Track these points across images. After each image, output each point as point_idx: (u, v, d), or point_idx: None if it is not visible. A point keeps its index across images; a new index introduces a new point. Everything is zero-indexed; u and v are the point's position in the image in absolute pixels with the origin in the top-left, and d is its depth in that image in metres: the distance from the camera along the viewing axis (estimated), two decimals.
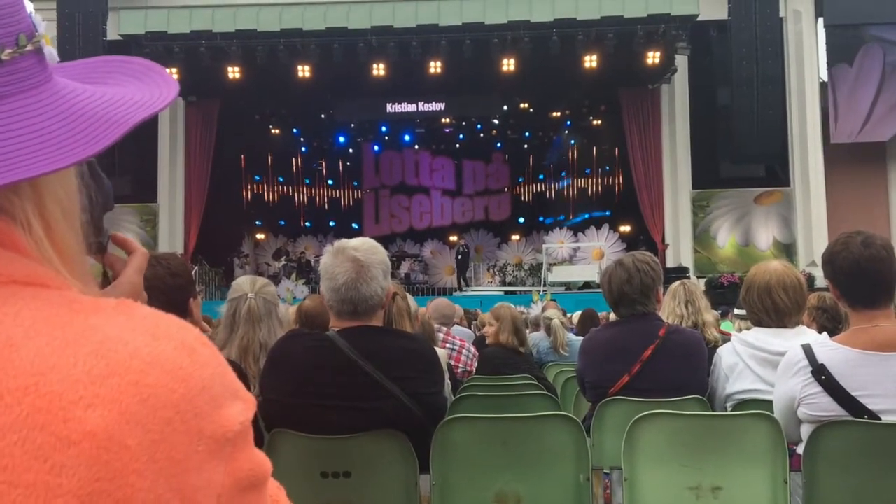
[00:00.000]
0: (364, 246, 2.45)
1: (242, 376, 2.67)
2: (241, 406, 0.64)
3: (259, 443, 2.52)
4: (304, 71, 16.38)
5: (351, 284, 2.39)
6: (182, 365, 0.61)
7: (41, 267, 0.64)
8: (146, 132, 17.52)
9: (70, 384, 0.56)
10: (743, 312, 5.46)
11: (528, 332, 6.21)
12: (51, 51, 0.69)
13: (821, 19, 17.87)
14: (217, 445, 0.61)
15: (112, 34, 15.93)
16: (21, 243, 0.64)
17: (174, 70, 15.93)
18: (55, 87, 0.67)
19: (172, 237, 18.04)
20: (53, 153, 0.62)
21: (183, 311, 2.23)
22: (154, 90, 0.73)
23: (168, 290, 2.18)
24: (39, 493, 0.53)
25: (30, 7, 0.69)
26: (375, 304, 2.43)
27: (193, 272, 17.53)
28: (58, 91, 0.67)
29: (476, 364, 5.20)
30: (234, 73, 16.36)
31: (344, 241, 2.50)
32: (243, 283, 3.13)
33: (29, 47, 0.66)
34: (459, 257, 21.30)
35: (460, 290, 19.83)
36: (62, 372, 0.56)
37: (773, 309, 2.97)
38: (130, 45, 15.72)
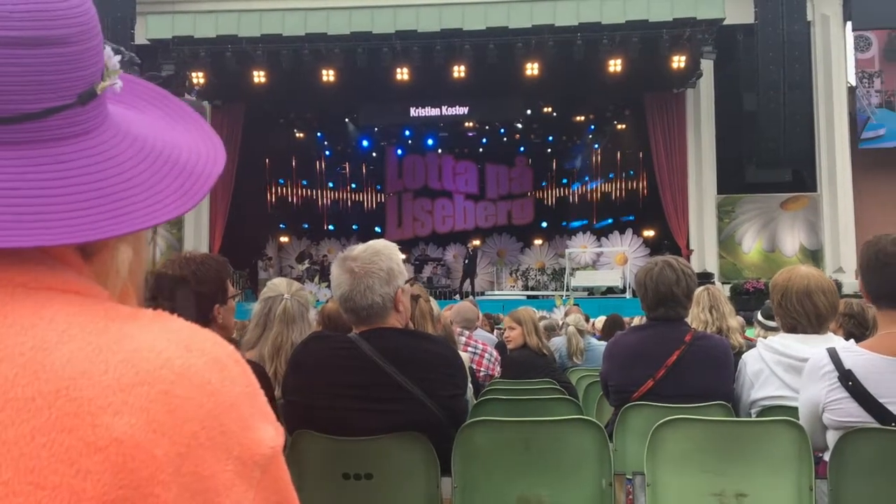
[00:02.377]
0: (365, 254, 2.44)
1: (266, 378, 2.69)
2: (273, 431, 0.64)
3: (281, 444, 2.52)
4: (328, 75, 16.45)
5: (347, 296, 2.42)
6: (211, 380, 0.61)
7: (81, 277, 0.65)
8: None
9: (100, 390, 0.56)
10: (766, 321, 5.40)
11: (550, 336, 6.19)
12: (119, 85, 0.70)
13: (849, 23, 17.66)
14: (245, 468, 0.60)
15: (140, 38, 16.10)
16: (66, 255, 0.65)
17: (200, 74, 16.10)
18: (115, 112, 0.69)
19: (197, 239, 18.18)
20: (152, 208, 0.64)
21: (205, 319, 2.25)
22: (206, 143, 0.75)
23: (195, 297, 2.20)
24: (64, 497, 0.54)
25: None
26: (377, 312, 2.43)
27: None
28: (122, 120, 0.69)
29: (498, 368, 5.19)
30: (259, 77, 16.47)
31: (348, 250, 2.51)
32: (280, 283, 3.18)
33: (115, 80, 0.68)
34: (466, 261, 21.26)
35: (481, 294, 19.78)
36: (93, 378, 0.57)
37: (815, 313, 2.91)
38: (157, 50, 15.89)
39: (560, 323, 7.83)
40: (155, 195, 0.64)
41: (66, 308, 0.61)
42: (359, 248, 2.48)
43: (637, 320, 8.48)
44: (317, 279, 19.53)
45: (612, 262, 20.27)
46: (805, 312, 2.93)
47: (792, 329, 2.99)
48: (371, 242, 2.52)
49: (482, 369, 5.07)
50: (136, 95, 0.76)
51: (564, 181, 25.55)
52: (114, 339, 0.60)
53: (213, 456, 0.59)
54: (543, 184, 25.97)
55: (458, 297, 18.50)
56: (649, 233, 20.31)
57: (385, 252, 2.46)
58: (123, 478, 0.55)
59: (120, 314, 0.63)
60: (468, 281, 20.80)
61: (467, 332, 5.36)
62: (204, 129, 0.77)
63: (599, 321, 9.08)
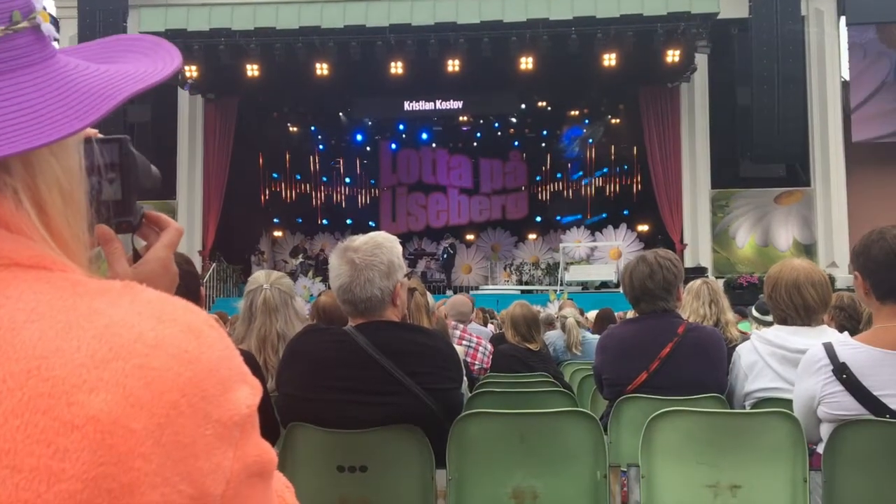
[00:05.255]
0: (366, 246, 2.43)
1: (258, 368, 2.69)
2: (249, 390, 0.63)
3: (276, 436, 2.54)
4: (322, 69, 16.42)
5: (346, 287, 2.41)
6: (188, 348, 0.60)
7: (45, 249, 0.63)
8: (165, 129, 17.65)
9: (73, 368, 0.56)
10: (761, 316, 5.40)
11: (544, 330, 6.18)
12: (49, 27, 0.67)
13: (843, 18, 17.70)
14: (225, 429, 0.60)
15: (132, 31, 16.03)
16: (20, 224, 0.63)
17: (193, 67, 16.05)
18: (55, 64, 0.66)
19: (190, 234, 18.12)
20: (41, 129, 0.61)
21: (197, 296, 2.30)
22: (158, 64, 0.72)
23: (185, 276, 2.23)
24: (42, 478, 0.53)
25: None
26: (375, 305, 2.43)
27: (211, 268, 17.71)
28: (56, 69, 0.66)
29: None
30: (252, 70, 16.42)
31: (349, 240, 2.49)
32: (259, 276, 3.21)
33: (24, 24, 0.64)
34: (445, 256, 21.21)
35: (475, 289, 19.78)
36: (65, 356, 0.56)
37: (803, 305, 2.92)
38: None
39: (555, 316, 7.84)
40: (31, 125, 0.61)
41: (33, 286, 0.60)
42: (360, 240, 2.46)
43: (631, 314, 8.49)
44: (311, 274, 19.52)
45: (607, 256, 20.30)
46: (793, 305, 2.94)
47: (783, 321, 3.01)
48: (372, 234, 2.51)
49: (476, 362, 5.07)
50: (114, 50, 0.75)
51: (559, 176, 25.55)
52: (84, 315, 0.59)
53: (192, 422, 0.58)
54: (538, 178, 25.97)
55: (450, 291, 18.53)
56: (643, 227, 20.35)
57: (387, 245, 2.46)
58: (103, 454, 0.54)
59: (88, 289, 0.62)
60: (450, 275, 20.78)
61: (462, 326, 5.36)
62: (162, 55, 0.74)
63: (593, 315, 9.08)
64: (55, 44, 0.69)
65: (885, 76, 17.55)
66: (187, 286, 2.22)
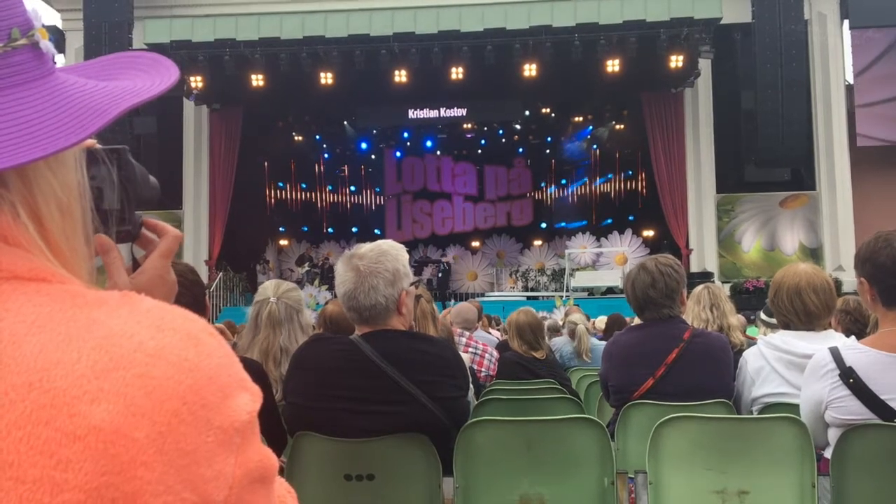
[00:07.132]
0: (371, 253, 2.42)
1: (264, 376, 2.70)
2: (249, 397, 0.64)
3: (283, 445, 2.54)
4: (326, 78, 16.47)
5: (351, 294, 2.41)
6: (187, 356, 0.61)
7: (43, 261, 0.64)
8: (171, 140, 17.72)
9: (74, 379, 0.56)
10: (768, 318, 5.38)
11: (550, 337, 6.18)
12: (48, 45, 0.67)
13: (846, 21, 17.69)
14: (226, 436, 0.61)
15: (137, 43, 16.11)
16: (19, 237, 0.64)
17: (198, 78, 16.12)
18: (53, 81, 0.66)
19: (197, 244, 18.17)
20: (37, 143, 0.62)
21: (202, 305, 2.33)
22: (155, 79, 0.73)
23: (191, 286, 2.26)
24: (45, 489, 0.53)
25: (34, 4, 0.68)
26: (380, 312, 2.42)
27: (218, 278, 17.75)
28: (54, 85, 0.66)
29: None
30: (257, 80, 16.48)
31: (355, 248, 2.49)
32: (268, 287, 3.21)
33: (23, 41, 0.65)
34: (440, 275, 21.08)
35: (481, 296, 19.74)
36: (66, 367, 0.56)
37: (804, 311, 2.92)
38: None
39: (561, 323, 7.84)
40: (26, 140, 0.62)
41: (33, 298, 0.61)
42: (366, 247, 2.47)
43: (638, 320, 8.46)
44: (316, 282, 19.52)
45: (612, 262, 20.28)
46: (794, 310, 2.93)
47: (786, 326, 3.00)
48: (378, 242, 2.51)
49: (483, 370, 5.06)
50: (114, 68, 0.75)
51: (563, 182, 25.56)
52: (83, 326, 0.59)
53: (194, 430, 0.59)
54: (542, 184, 25.97)
55: (452, 300, 18.50)
56: (649, 233, 20.34)
57: (392, 253, 2.45)
58: (105, 464, 0.55)
59: (87, 301, 0.62)
60: (444, 292, 20.33)
61: (468, 333, 5.35)
62: (160, 71, 0.74)
63: (600, 321, 9.07)
64: (59, 57, 0.69)
65: (892, 40, 17.48)
66: (193, 295, 2.24)
